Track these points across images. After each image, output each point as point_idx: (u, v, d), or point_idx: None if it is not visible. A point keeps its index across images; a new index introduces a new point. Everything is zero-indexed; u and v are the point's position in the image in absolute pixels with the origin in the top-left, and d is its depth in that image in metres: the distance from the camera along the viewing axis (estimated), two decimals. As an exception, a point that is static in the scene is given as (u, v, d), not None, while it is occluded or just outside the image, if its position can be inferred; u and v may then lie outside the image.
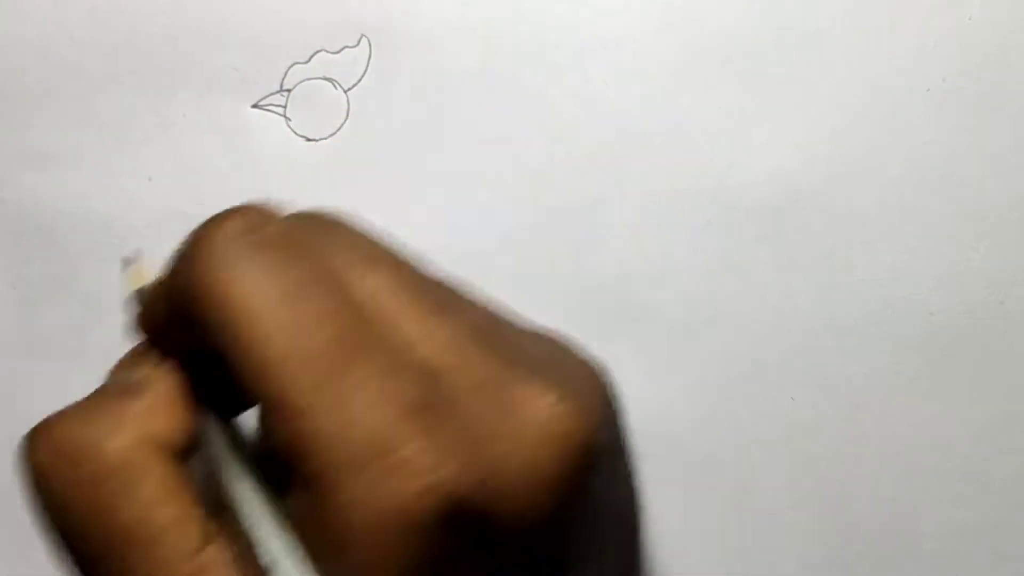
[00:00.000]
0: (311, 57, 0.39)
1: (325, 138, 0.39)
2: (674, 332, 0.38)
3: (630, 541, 0.28)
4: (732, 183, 0.38)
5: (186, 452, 0.26)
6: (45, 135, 0.40)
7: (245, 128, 0.39)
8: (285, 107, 0.39)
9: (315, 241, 0.25)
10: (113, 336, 0.40)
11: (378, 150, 0.39)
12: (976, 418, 0.38)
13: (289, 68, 0.39)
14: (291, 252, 0.25)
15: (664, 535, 0.39)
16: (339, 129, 0.39)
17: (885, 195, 0.38)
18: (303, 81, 0.39)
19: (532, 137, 0.39)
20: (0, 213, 0.40)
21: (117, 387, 0.28)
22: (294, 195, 0.39)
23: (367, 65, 0.39)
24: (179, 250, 0.26)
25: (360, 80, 0.39)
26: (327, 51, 0.39)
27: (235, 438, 0.27)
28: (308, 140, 0.39)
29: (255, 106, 0.39)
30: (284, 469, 0.23)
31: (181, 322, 0.26)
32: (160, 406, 0.26)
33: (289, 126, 0.39)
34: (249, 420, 0.26)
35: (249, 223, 0.25)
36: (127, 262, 0.34)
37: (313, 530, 0.23)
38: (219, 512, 0.25)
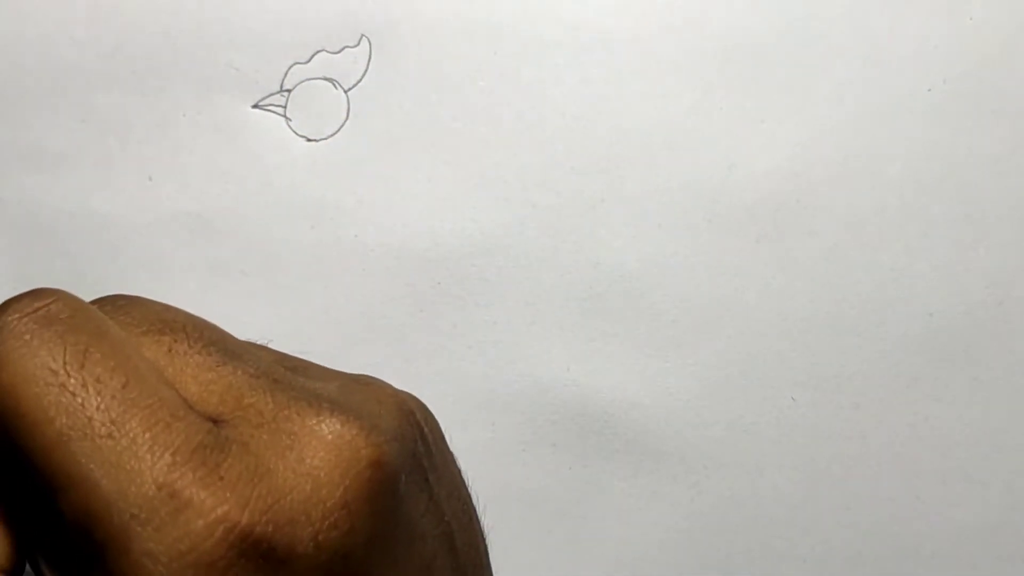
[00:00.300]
0: (311, 57, 0.39)
1: (325, 138, 0.39)
2: (674, 332, 0.38)
3: (466, 567, 0.28)
4: (732, 183, 0.38)
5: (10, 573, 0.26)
6: (45, 135, 0.40)
7: (245, 128, 0.39)
8: (285, 107, 0.39)
9: (96, 315, 0.25)
10: (113, 336, 0.40)
11: (378, 150, 0.39)
12: (975, 418, 0.38)
13: (289, 68, 0.39)
14: (69, 326, 0.24)
15: (664, 535, 0.39)
16: (339, 129, 0.39)
17: (885, 196, 0.38)
18: (303, 81, 0.39)
19: (532, 137, 0.39)
20: (0, 213, 0.40)
21: None
22: (294, 195, 0.39)
23: (367, 65, 0.39)
24: None
25: (360, 80, 0.39)
26: (327, 51, 0.39)
27: None
28: (308, 140, 0.39)
29: (255, 106, 0.39)
30: (82, 557, 0.23)
31: None
32: None
33: (289, 126, 0.39)
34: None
35: (25, 305, 0.25)
36: None
37: None
38: None
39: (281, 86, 0.39)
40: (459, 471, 0.30)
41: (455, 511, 0.29)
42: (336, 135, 0.39)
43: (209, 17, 0.39)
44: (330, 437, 0.24)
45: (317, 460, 0.24)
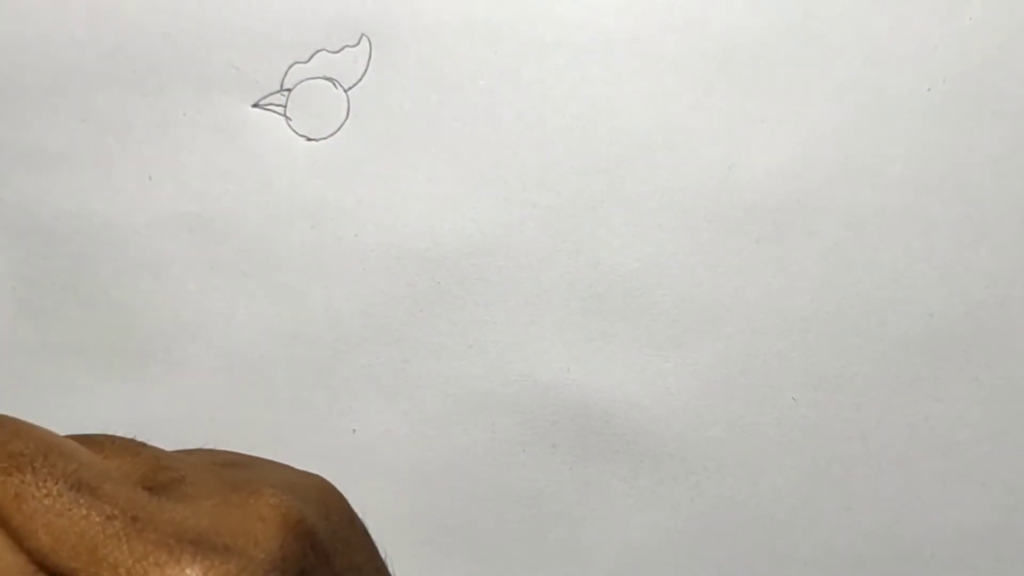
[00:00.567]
0: (311, 56, 0.39)
1: (325, 137, 0.39)
2: (674, 332, 0.38)
3: None
4: (732, 183, 0.38)
5: None
6: (45, 135, 0.40)
7: (245, 127, 0.39)
8: (285, 106, 0.39)
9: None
10: (113, 336, 0.40)
11: (378, 149, 0.39)
12: (976, 419, 0.38)
13: (289, 67, 0.39)
14: None
15: (664, 535, 0.39)
16: (339, 128, 0.39)
17: (885, 196, 0.38)
18: (303, 80, 0.39)
19: (532, 137, 0.39)
20: (0, 213, 0.40)
21: None
22: (294, 195, 0.39)
23: (367, 65, 0.39)
24: None
25: (360, 80, 0.39)
26: (327, 50, 0.39)
27: None
28: (308, 139, 0.39)
29: (255, 105, 0.39)
30: None
31: None
32: None
33: (289, 125, 0.39)
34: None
35: None
36: None
37: None
38: None
39: (281, 85, 0.39)
40: (375, 550, 0.28)
41: None
42: (336, 134, 0.39)
43: (209, 17, 0.39)
44: (266, 522, 0.23)
45: (259, 543, 0.22)
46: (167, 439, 0.41)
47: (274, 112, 0.39)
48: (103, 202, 0.40)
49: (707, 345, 0.38)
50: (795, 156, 0.38)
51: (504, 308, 0.39)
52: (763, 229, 0.38)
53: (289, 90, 0.39)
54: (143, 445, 0.26)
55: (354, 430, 0.40)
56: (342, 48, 0.39)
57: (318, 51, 0.39)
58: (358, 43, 0.39)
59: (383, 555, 0.28)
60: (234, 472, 0.26)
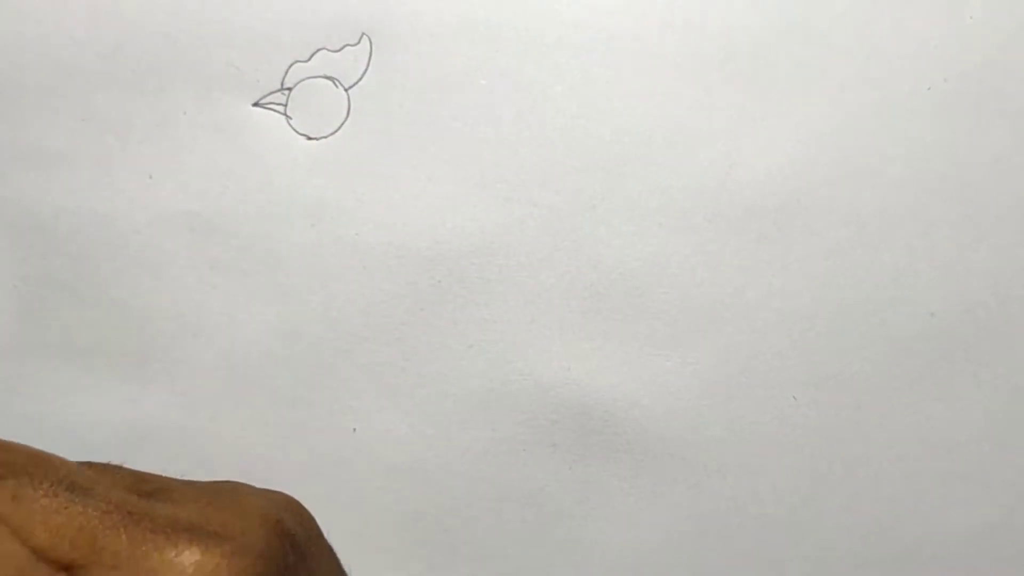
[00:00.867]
0: (312, 55, 0.39)
1: (326, 136, 0.39)
2: (675, 331, 0.38)
3: None
4: (733, 183, 0.38)
5: None
6: (45, 134, 0.40)
7: (246, 127, 0.39)
8: (286, 105, 0.39)
9: None
10: (113, 336, 0.40)
11: (379, 149, 0.39)
12: (977, 419, 0.38)
13: (290, 66, 0.39)
14: None
15: (665, 535, 0.39)
16: (340, 128, 0.39)
17: (886, 195, 0.38)
18: (304, 79, 0.39)
19: (532, 137, 0.39)
20: (0, 213, 0.40)
21: None
22: (295, 194, 0.39)
23: (368, 64, 0.39)
24: None
25: (361, 79, 0.39)
26: (328, 49, 0.39)
27: None
28: (309, 139, 0.39)
29: (256, 104, 0.39)
30: None
31: None
32: None
33: (290, 124, 0.39)
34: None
35: None
36: None
37: None
38: None
39: (281, 84, 0.39)
40: (338, 563, 0.29)
41: None
42: (336, 134, 0.39)
43: (209, 16, 0.39)
44: (191, 569, 0.23)
45: None
46: (167, 439, 0.41)
47: (274, 111, 0.39)
48: (103, 202, 0.40)
49: (707, 344, 0.38)
50: (795, 156, 0.38)
51: (504, 308, 0.39)
52: (763, 229, 0.38)
53: (289, 89, 0.39)
54: (120, 466, 0.27)
55: (354, 430, 0.40)
56: (343, 47, 0.39)
57: (318, 50, 0.39)
58: (359, 42, 0.39)
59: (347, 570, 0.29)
60: (211, 484, 0.27)
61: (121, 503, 0.25)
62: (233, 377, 0.40)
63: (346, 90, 0.39)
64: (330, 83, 0.39)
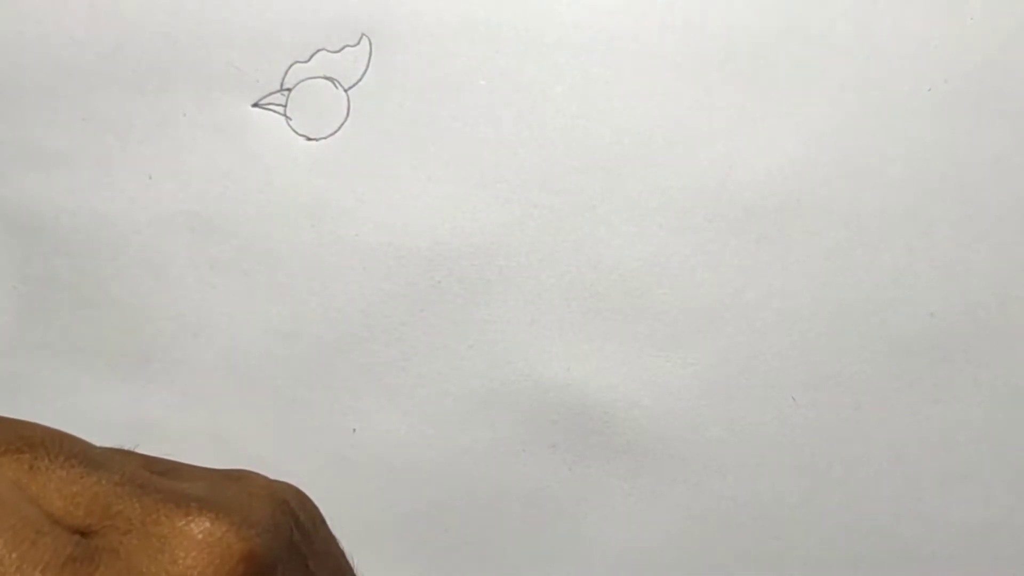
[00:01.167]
0: (312, 56, 0.39)
1: (326, 137, 0.39)
2: (674, 332, 0.38)
3: None
4: (733, 183, 0.38)
5: None
6: (45, 134, 0.40)
7: (245, 127, 0.39)
8: (286, 106, 0.39)
9: None
10: (113, 336, 0.40)
11: (379, 149, 0.39)
12: (976, 419, 0.38)
13: (290, 67, 0.39)
14: None
15: (664, 535, 0.39)
16: (340, 128, 0.39)
17: (886, 196, 0.38)
18: (304, 80, 0.39)
19: (532, 137, 0.39)
20: (0, 212, 0.40)
21: None
22: (294, 194, 0.39)
23: (368, 64, 0.39)
24: None
25: (361, 79, 0.39)
26: (328, 50, 0.39)
27: None
28: (309, 139, 0.39)
29: (255, 105, 0.39)
30: None
31: None
32: None
33: (290, 125, 0.39)
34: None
35: None
36: None
37: None
38: None
39: (281, 85, 0.39)
40: (342, 552, 0.30)
41: None
42: (336, 134, 0.39)
43: (209, 17, 0.39)
44: (200, 536, 0.24)
45: (189, 560, 0.24)
46: (167, 439, 0.41)
47: (274, 112, 0.39)
48: (103, 202, 0.40)
49: (707, 345, 0.38)
50: (795, 156, 0.38)
51: (504, 308, 0.39)
52: (763, 229, 0.38)
53: (289, 90, 0.39)
54: (132, 451, 0.28)
55: (354, 430, 0.40)
56: (342, 48, 0.39)
57: (318, 51, 0.39)
58: (358, 43, 0.39)
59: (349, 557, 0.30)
60: (219, 469, 0.28)
61: (134, 475, 0.26)
62: (233, 377, 0.40)
63: (346, 91, 0.39)
64: (330, 84, 0.39)
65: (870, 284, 0.38)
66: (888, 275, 0.38)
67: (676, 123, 0.38)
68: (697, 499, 0.38)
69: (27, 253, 0.40)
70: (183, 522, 0.24)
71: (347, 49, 0.39)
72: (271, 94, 0.39)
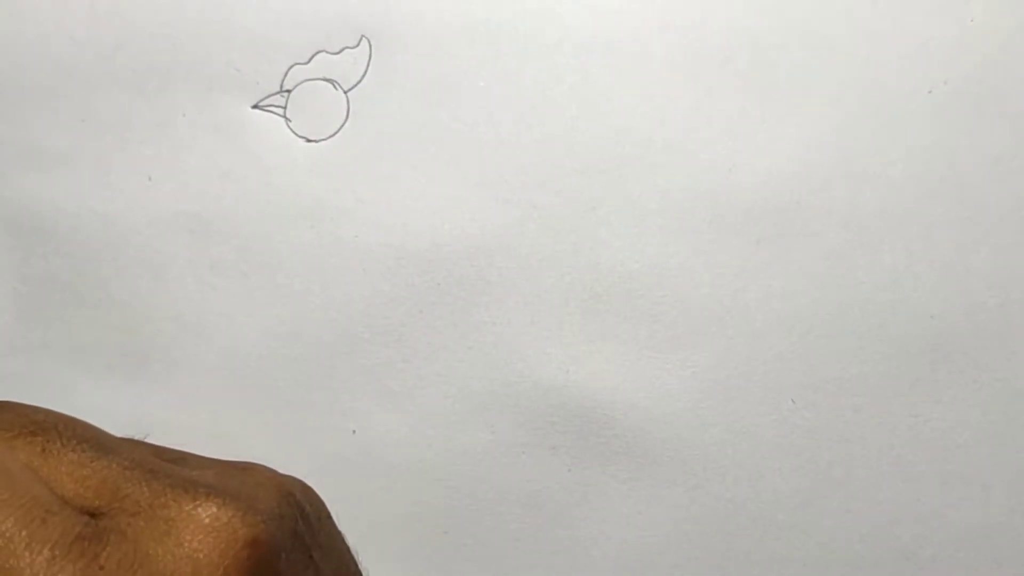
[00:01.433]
0: (311, 58, 0.39)
1: (325, 139, 0.39)
2: (674, 334, 0.38)
3: None
4: (733, 184, 0.38)
5: None
6: (45, 134, 0.40)
7: (245, 128, 0.39)
8: (285, 107, 0.39)
9: None
10: (113, 336, 0.40)
11: (378, 150, 0.39)
12: (976, 420, 0.38)
13: (289, 69, 0.39)
14: None
15: (663, 537, 0.39)
16: (339, 130, 0.39)
17: (886, 197, 0.38)
18: (303, 82, 0.39)
19: (532, 137, 0.39)
20: (0, 212, 0.40)
21: None
22: (294, 195, 0.39)
23: (367, 66, 0.39)
24: None
25: (360, 81, 0.39)
26: (327, 52, 0.39)
27: None
28: (308, 141, 0.39)
29: (255, 106, 0.39)
30: None
31: None
32: None
33: (289, 127, 0.39)
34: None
35: None
36: None
37: None
38: None
39: (281, 86, 0.39)
40: (347, 547, 0.30)
41: None
42: (336, 135, 0.39)
43: (209, 17, 0.39)
44: (207, 520, 0.25)
45: (195, 543, 0.24)
46: (167, 439, 0.41)
47: (274, 113, 0.39)
48: (103, 202, 0.40)
49: (707, 347, 0.38)
50: (795, 157, 0.38)
51: (504, 308, 0.39)
52: (764, 230, 0.38)
53: (289, 91, 0.39)
54: (142, 440, 0.29)
55: (354, 430, 0.40)
56: (342, 49, 0.39)
57: (318, 52, 0.39)
58: (358, 44, 0.39)
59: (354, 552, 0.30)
60: (227, 460, 0.29)
61: (143, 461, 0.26)
62: (233, 377, 0.40)
63: (345, 92, 0.39)
64: (329, 85, 0.39)
65: (870, 285, 0.38)
66: (888, 276, 0.38)
67: (676, 124, 0.38)
68: (696, 501, 0.38)
69: (27, 253, 0.40)
70: (190, 506, 0.25)
71: (347, 51, 0.39)
72: (271, 95, 0.39)
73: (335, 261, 0.39)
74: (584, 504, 0.39)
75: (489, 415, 0.39)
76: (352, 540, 0.30)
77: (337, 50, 0.39)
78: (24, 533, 0.24)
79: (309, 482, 0.29)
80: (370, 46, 0.39)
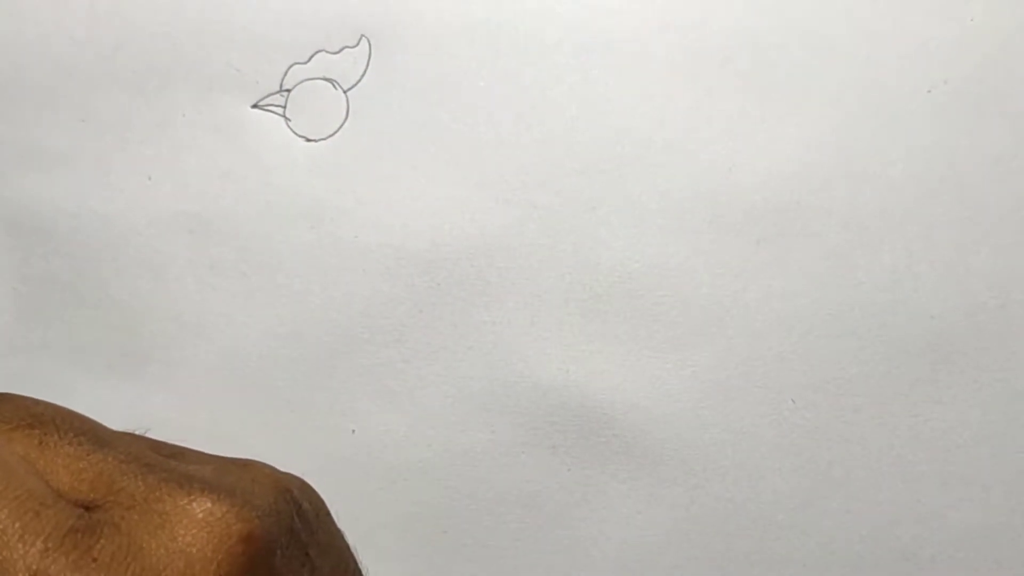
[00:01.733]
0: (311, 57, 0.39)
1: (325, 138, 0.39)
2: (674, 334, 0.38)
3: None
4: (733, 184, 0.38)
5: None
6: (45, 134, 0.40)
7: (245, 128, 0.39)
8: (285, 107, 0.39)
9: None
10: (113, 336, 0.40)
11: (378, 150, 0.39)
12: (976, 421, 0.38)
13: (289, 68, 0.39)
14: None
15: (663, 537, 0.39)
16: (339, 129, 0.39)
17: (886, 197, 0.38)
18: (303, 81, 0.39)
19: (532, 137, 0.39)
20: (0, 212, 0.40)
21: None
22: (294, 195, 0.39)
23: (367, 65, 0.39)
24: None
25: (360, 80, 0.39)
26: (327, 51, 0.39)
27: None
28: (308, 140, 0.39)
29: (255, 106, 0.39)
30: None
31: None
32: None
33: (289, 126, 0.39)
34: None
35: None
36: None
37: None
38: None
39: (281, 86, 0.39)
40: (347, 546, 0.30)
41: None
42: (336, 135, 0.39)
43: (209, 17, 0.39)
44: (200, 515, 0.25)
45: (189, 537, 0.24)
46: (167, 438, 0.41)
47: (273, 113, 0.39)
48: (103, 202, 0.40)
49: (707, 347, 0.38)
50: (795, 157, 0.38)
51: (504, 309, 0.39)
52: (764, 230, 0.38)
53: (288, 91, 0.39)
54: (141, 435, 0.28)
55: (354, 430, 0.40)
56: (341, 49, 0.39)
57: (317, 52, 0.39)
58: (357, 44, 0.39)
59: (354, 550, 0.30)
60: (225, 457, 0.28)
61: (140, 455, 0.26)
62: (233, 377, 0.40)
63: (345, 92, 0.39)
64: (329, 85, 0.39)
65: (870, 286, 0.38)
66: (888, 276, 0.38)
67: (676, 124, 0.38)
68: (696, 500, 0.38)
69: (27, 253, 0.40)
70: (185, 501, 0.25)
71: (346, 50, 0.39)
72: (270, 95, 0.39)
73: (335, 261, 0.39)
74: (584, 504, 0.39)
75: (489, 415, 0.39)
76: (352, 540, 0.30)
77: (337, 50, 0.39)
78: (18, 525, 0.24)
79: (309, 481, 0.29)
80: (370, 46, 0.39)
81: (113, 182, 0.40)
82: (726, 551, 0.38)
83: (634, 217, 0.38)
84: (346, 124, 0.39)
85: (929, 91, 0.37)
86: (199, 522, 0.25)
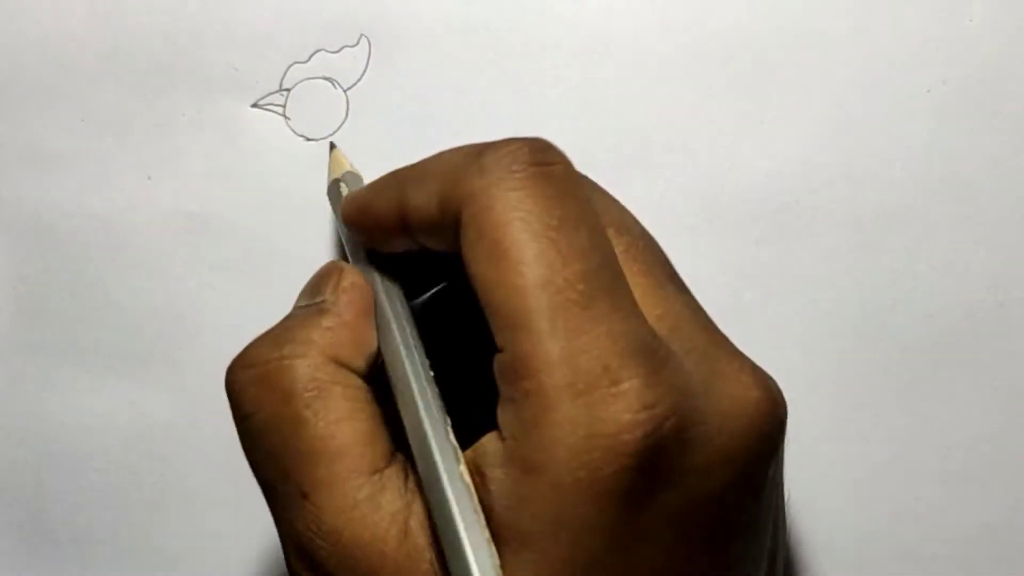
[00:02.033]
0: (311, 56, 0.39)
1: (325, 137, 0.39)
2: (674, 333, 0.38)
3: (772, 558, 0.29)
4: (732, 184, 0.38)
5: (369, 372, 0.28)
6: (45, 134, 0.40)
7: (244, 127, 0.39)
8: (285, 106, 0.39)
9: (584, 190, 0.27)
10: (113, 336, 0.40)
11: (378, 150, 0.39)
12: (976, 420, 0.38)
13: (289, 67, 0.39)
14: (563, 189, 0.26)
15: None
16: (339, 128, 0.39)
17: (885, 197, 0.38)
18: (303, 80, 0.39)
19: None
20: (0, 212, 0.40)
21: (305, 310, 0.30)
22: (294, 194, 0.39)
23: (367, 64, 0.39)
24: (451, 158, 0.28)
25: (360, 80, 0.39)
26: (327, 50, 0.39)
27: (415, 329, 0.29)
28: (308, 139, 0.39)
29: (254, 105, 0.39)
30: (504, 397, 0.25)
31: (404, 223, 0.28)
32: (343, 327, 0.29)
33: (289, 125, 0.39)
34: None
35: (533, 154, 0.26)
36: (332, 146, 0.37)
37: (517, 442, 0.24)
38: (401, 438, 0.27)
39: (280, 85, 0.39)
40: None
41: (780, 505, 0.30)
42: (335, 135, 0.39)
43: (209, 17, 0.39)
44: (751, 393, 0.26)
45: (736, 408, 0.26)
46: (167, 439, 0.41)
47: (273, 112, 0.39)
48: (103, 202, 0.40)
49: (706, 346, 0.38)
50: (795, 157, 0.38)
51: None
52: (763, 230, 0.38)
53: (288, 90, 0.39)
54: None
55: (353, 430, 0.40)
56: (341, 48, 0.39)
57: (317, 51, 0.39)
58: (357, 43, 0.39)
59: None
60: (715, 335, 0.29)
61: (699, 308, 0.29)
62: (233, 377, 0.40)
63: (345, 91, 0.39)
64: (329, 84, 0.39)
65: (869, 286, 0.38)
66: (887, 277, 0.38)
67: (675, 124, 0.38)
68: (696, 500, 0.38)
69: (27, 253, 0.40)
70: (737, 367, 0.27)
71: (346, 49, 0.39)
72: (270, 94, 0.39)
73: (335, 261, 0.39)
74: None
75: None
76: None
77: (336, 49, 0.39)
78: (608, 322, 0.24)
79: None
80: (369, 45, 0.39)
81: (113, 182, 0.40)
82: (726, 551, 0.38)
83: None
84: (346, 123, 0.39)
85: (929, 91, 0.37)
86: (745, 397, 0.26)
